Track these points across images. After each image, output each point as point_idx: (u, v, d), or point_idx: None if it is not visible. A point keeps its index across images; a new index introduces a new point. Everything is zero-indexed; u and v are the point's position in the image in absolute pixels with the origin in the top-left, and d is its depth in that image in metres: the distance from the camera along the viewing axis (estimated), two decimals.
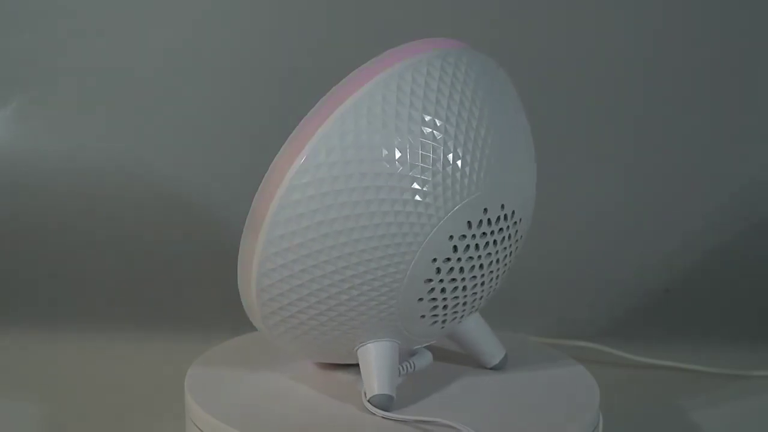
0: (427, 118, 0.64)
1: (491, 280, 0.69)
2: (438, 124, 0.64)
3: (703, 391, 0.88)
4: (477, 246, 0.66)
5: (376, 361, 0.68)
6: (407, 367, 0.70)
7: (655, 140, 1.11)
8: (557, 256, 1.08)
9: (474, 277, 0.67)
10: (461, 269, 0.66)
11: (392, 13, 1.11)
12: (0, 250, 1.09)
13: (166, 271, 1.07)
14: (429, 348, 0.73)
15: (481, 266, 0.67)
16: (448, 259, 0.65)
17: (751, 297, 1.05)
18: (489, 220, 0.66)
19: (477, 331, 0.73)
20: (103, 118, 1.14)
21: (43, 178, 1.12)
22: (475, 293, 0.69)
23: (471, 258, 0.66)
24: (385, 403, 0.67)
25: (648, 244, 1.09)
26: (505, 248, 0.68)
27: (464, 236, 0.65)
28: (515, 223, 0.68)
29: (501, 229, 0.67)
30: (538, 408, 0.70)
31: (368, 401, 0.67)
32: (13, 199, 1.12)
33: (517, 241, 0.70)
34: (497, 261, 0.68)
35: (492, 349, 0.74)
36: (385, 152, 0.63)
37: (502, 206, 0.67)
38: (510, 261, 0.70)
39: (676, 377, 0.91)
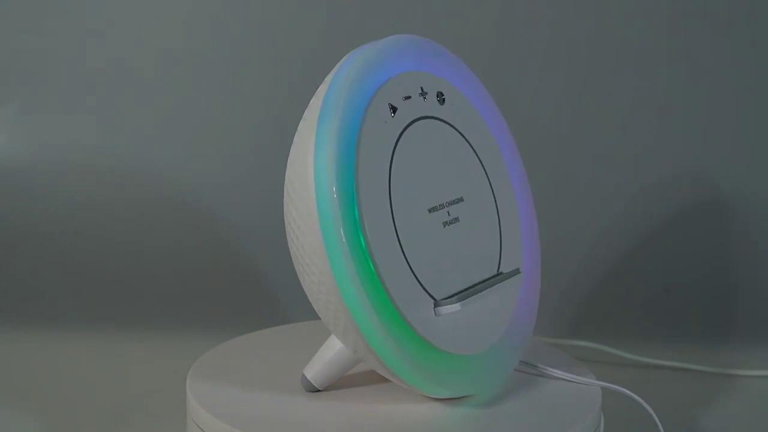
0: None
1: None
2: None
3: (703, 391, 0.88)
4: None
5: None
6: None
7: (654, 142, 1.11)
8: (557, 256, 1.08)
9: None
10: None
11: (394, 17, 1.11)
12: None
13: (167, 271, 1.07)
14: None
15: None
16: None
17: (750, 297, 1.05)
18: None
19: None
20: (103, 119, 1.14)
21: (43, 178, 1.12)
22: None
23: None
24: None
25: (648, 244, 1.09)
26: None
27: None
28: None
29: None
30: (539, 408, 0.70)
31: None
32: (13, 199, 1.12)
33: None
34: None
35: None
36: None
37: None
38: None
39: (676, 377, 0.91)
